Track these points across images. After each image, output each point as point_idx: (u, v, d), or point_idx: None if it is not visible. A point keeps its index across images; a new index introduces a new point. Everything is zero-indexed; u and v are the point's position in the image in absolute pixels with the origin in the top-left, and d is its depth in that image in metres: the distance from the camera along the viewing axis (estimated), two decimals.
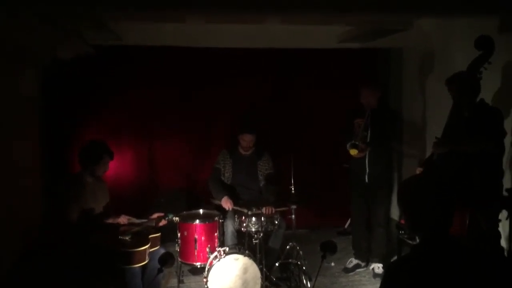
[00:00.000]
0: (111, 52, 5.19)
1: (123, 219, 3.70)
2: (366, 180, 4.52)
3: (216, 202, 4.50)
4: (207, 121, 5.84)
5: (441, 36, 4.74)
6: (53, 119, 5.22)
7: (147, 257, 3.39)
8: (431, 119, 4.99)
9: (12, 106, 4.14)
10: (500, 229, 3.38)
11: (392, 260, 4.49)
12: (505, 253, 3.45)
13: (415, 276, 1.79)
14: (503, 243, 3.51)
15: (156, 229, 3.70)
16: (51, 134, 5.18)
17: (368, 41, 5.12)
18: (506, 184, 3.49)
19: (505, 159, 3.60)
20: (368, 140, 4.45)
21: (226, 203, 4.38)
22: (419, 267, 1.81)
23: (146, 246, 3.37)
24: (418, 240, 2.05)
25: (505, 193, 3.37)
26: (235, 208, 4.35)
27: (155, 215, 3.85)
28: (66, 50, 4.60)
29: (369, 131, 4.46)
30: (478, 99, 3.53)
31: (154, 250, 3.50)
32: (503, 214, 3.35)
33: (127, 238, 3.40)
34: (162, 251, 3.38)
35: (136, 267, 3.34)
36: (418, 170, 3.83)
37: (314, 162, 5.92)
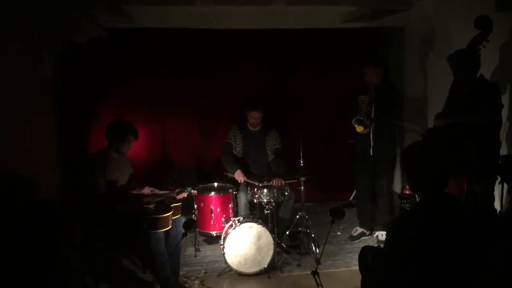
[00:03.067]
0: (124, 34, 5.37)
1: (146, 190, 3.98)
2: (371, 153, 4.76)
3: (229, 175, 4.77)
4: (215, 100, 6.04)
5: (441, 16, 4.93)
6: (69, 100, 5.43)
7: (170, 223, 3.65)
8: (432, 95, 5.21)
9: (30, 86, 4.35)
10: (494, 193, 3.65)
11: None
12: (497, 214, 3.72)
13: (416, 228, 2.07)
14: (497, 205, 3.77)
15: (177, 200, 3.97)
16: (67, 114, 5.39)
17: (370, 21, 5.31)
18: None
19: (502, 131, 3.85)
20: (373, 116, 4.68)
21: (239, 176, 4.65)
22: (419, 221, 2.08)
23: (169, 213, 3.64)
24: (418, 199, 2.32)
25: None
26: (247, 180, 4.61)
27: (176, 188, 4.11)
28: (81, 33, 4.77)
29: (373, 107, 4.69)
30: (477, 75, 3.76)
31: (176, 218, 3.77)
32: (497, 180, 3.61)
33: (151, 206, 3.67)
34: (183, 219, 3.65)
35: (160, 232, 3.60)
36: None
37: (320, 138, 6.14)
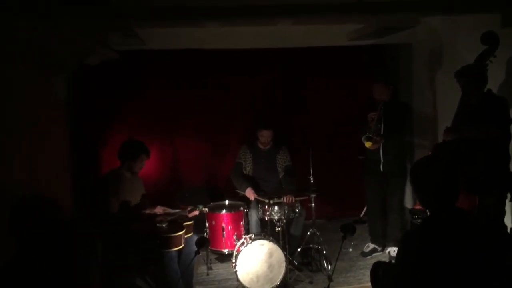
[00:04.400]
0: (135, 56, 5.48)
1: (159, 209, 4.03)
2: (381, 169, 4.78)
3: (240, 193, 4.81)
4: (225, 119, 6.11)
5: (447, 32, 4.97)
6: (81, 121, 5.52)
7: (183, 242, 3.69)
8: (441, 110, 5.22)
9: (44, 109, 4.44)
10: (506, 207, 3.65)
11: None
12: (508, 230, 3.71)
13: (426, 243, 2.08)
14: (507, 221, 3.76)
15: (189, 218, 4.01)
16: (80, 135, 5.48)
17: (377, 38, 5.37)
18: None
19: (511, 145, 3.86)
20: (382, 132, 4.71)
21: (250, 194, 4.69)
22: (429, 234, 2.10)
23: (182, 232, 3.68)
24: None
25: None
26: (258, 198, 4.65)
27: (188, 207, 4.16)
28: (93, 56, 4.89)
29: (382, 124, 4.72)
30: (485, 89, 3.79)
31: (188, 237, 3.81)
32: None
33: (164, 225, 3.72)
34: (196, 237, 3.67)
35: (173, 251, 3.64)
36: None
37: (330, 155, 6.15)
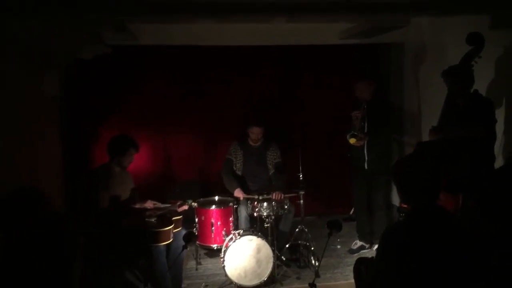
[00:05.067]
0: (127, 51, 5.50)
1: (149, 204, 4.07)
2: (366, 167, 4.85)
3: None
4: (217, 116, 6.15)
5: (436, 32, 5.04)
6: (73, 116, 5.54)
7: (171, 237, 3.73)
8: (425, 109, 5.29)
9: (36, 105, 4.47)
10: None
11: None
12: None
13: (406, 239, 2.14)
14: None
15: (179, 213, 4.05)
16: (71, 130, 5.51)
17: (369, 38, 5.42)
18: None
19: (496, 146, 3.92)
20: (366, 130, 4.77)
21: (239, 194, 4.78)
22: (409, 231, 2.16)
23: (171, 227, 3.72)
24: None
25: None
26: (247, 196, 4.70)
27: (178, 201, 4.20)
28: (86, 51, 4.90)
29: (366, 122, 4.79)
30: (472, 90, 3.85)
31: (177, 231, 3.85)
32: None
33: (153, 220, 3.76)
34: (184, 232, 3.72)
35: (162, 245, 3.68)
36: None
37: (321, 152, 6.21)
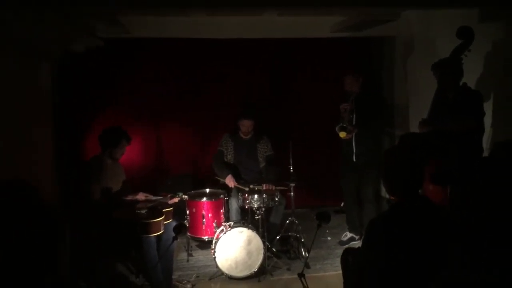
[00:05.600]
0: (120, 44, 5.49)
1: (141, 196, 4.09)
2: (354, 160, 4.89)
3: (221, 180, 4.88)
4: (210, 109, 6.15)
5: (426, 26, 5.06)
6: (65, 109, 5.53)
7: (162, 228, 3.76)
8: (414, 102, 5.32)
9: (28, 97, 4.45)
10: None
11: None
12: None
13: (391, 228, 2.18)
14: None
15: (169, 205, 4.08)
16: (64, 122, 5.49)
17: (360, 31, 5.44)
18: None
19: (484, 138, 3.97)
20: (354, 122, 4.81)
21: (230, 181, 4.77)
22: (395, 221, 2.19)
23: (161, 218, 3.75)
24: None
25: None
26: (238, 186, 4.73)
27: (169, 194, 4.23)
28: (78, 43, 4.89)
29: (354, 115, 4.82)
30: (461, 83, 3.89)
31: (167, 223, 3.88)
32: None
33: (143, 211, 3.78)
34: (175, 223, 3.74)
35: (152, 236, 3.71)
36: None
37: (313, 145, 6.24)
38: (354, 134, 4.81)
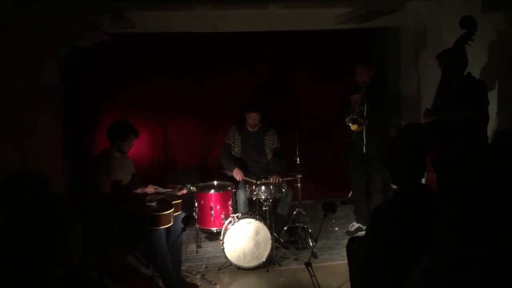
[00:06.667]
0: (126, 39, 5.55)
1: (150, 189, 4.16)
2: (364, 150, 4.91)
3: (229, 173, 4.94)
4: (215, 102, 6.22)
5: (432, 16, 5.08)
6: (73, 104, 5.61)
7: (171, 220, 3.82)
8: (425, 93, 5.34)
9: (36, 91, 4.53)
10: None
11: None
12: None
13: (395, 215, 2.22)
14: None
15: (178, 197, 4.14)
16: (72, 117, 5.58)
17: (365, 22, 5.45)
18: None
19: (489, 127, 3.99)
20: (365, 114, 4.83)
21: (237, 174, 4.82)
22: (398, 209, 2.24)
23: (171, 210, 3.81)
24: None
25: None
26: (245, 178, 4.78)
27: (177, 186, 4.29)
28: (84, 38, 4.95)
29: (365, 106, 4.84)
30: (465, 72, 3.90)
31: (177, 215, 3.94)
32: None
33: (153, 204, 3.85)
34: (184, 215, 3.81)
35: (162, 228, 3.77)
36: None
37: (319, 137, 6.25)
38: (365, 125, 4.82)
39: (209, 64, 6.04)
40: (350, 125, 4.76)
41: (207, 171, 5.97)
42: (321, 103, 6.16)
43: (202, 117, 6.22)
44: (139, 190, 4.12)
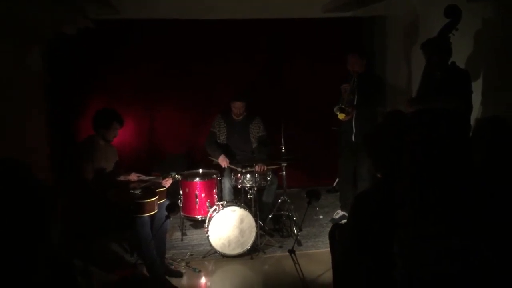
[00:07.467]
0: (112, 26, 5.47)
1: (133, 176, 4.14)
2: (353, 139, 4.93)
3: (214, 161, 4.93)
4: (203, 90, 6.17)
5: (420, 5, 5.07)
6: (58, 91, 5.54)
7: (156, 208, 3.82)
8: (415, 82, 5.35)
9: (19, 78, 4.46)
10: None
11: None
12: None
13: (376, 203, 2.23)
14: None
15: (163, 185, 4.13)
16: (57, 105, 5.51)
17: (352, 10, 5.44)
18: None
19: (473, 116, 4.02)
20: (355, 103, 4.84)
21: (223, 161, 4.83)
22: (379, 197, 2.24)
23: (155, 198, 3.80)
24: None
25: None
26: (231, 166, 4.78)
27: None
28: (68, 25, 4.88)
29: (356, 95, 4.85)
30: (449, 62, 3.92)
31: (161, 202, 3.94)
32: None
33: (137, 192, 3.83)
34: (168, 202, 3.81)
35: (146, 216, 3.77)
36: None
37: (304, 126, 6.26)
38: (354, 114, 4.83)
39: (197, 51, 5.99)
40: (338, 114, 4.77)
41: (193, 161, 5.95)
42: (307, 92, 6.17)
43: (189, 105, 6.18)
44: (122, 178, 4.10)
